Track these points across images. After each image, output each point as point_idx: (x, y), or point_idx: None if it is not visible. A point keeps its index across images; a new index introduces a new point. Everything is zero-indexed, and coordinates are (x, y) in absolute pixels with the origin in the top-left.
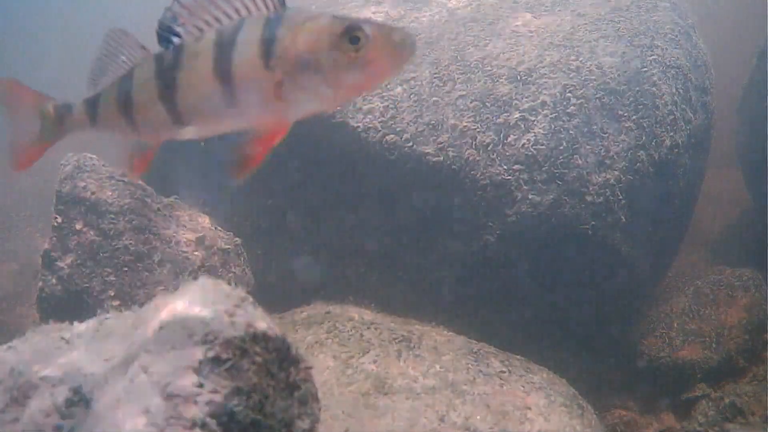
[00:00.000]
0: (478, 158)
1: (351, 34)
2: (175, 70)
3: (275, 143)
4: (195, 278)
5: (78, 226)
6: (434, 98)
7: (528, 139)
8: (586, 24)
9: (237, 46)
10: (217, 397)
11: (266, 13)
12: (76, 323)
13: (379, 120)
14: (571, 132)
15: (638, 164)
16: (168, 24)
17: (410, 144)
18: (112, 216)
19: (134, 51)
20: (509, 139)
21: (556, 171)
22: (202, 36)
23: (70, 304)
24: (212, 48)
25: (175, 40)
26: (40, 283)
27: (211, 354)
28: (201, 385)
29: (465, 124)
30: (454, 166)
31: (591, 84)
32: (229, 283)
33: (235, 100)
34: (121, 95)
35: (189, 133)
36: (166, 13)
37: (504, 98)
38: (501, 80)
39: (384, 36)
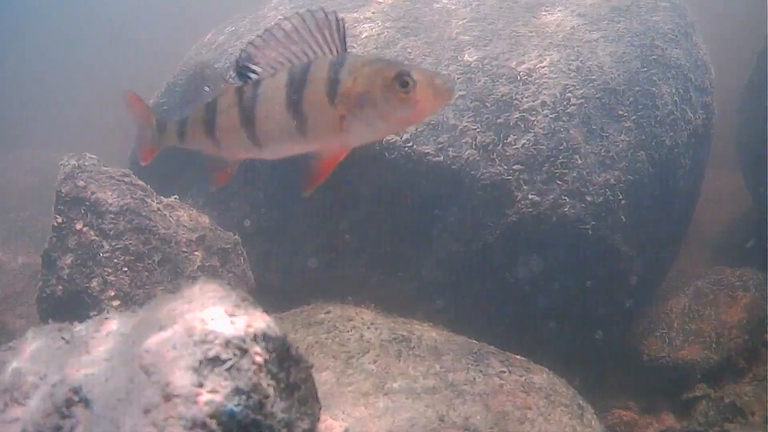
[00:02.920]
0: (478, 158)
1: (401, 78)
2: (254, 101)
3: (336, 165)
4: (195, 278)
5: (78, 226)
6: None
7: (528, 139)
8: (586, 24)
9: (307, 84)
10: (217, 397)
11: (329, 56)
12: (76, 323)
13: None
14: (571, 132)
15: (638, 164)
16: (245, 62)
17: (410, 144)
18: (112, 216)
19: (217, 83)
20: (509, 139)
21: (556, 171)
22: (276, 73)
23: (70, 304)
24: (285, 85)
25: (252, 76)
26: (40, 283)
27: (211, 354)
28: (201, 385)
29: (465, 124)
30: (454, 166)
31: (591, 84)
32: (229, 283)
33: (304, 130)
34: (207, 119)
35: (265, 154)
36: (242, 53)
37: (504, 98)
38: (501, 80)
39: (428, 80)
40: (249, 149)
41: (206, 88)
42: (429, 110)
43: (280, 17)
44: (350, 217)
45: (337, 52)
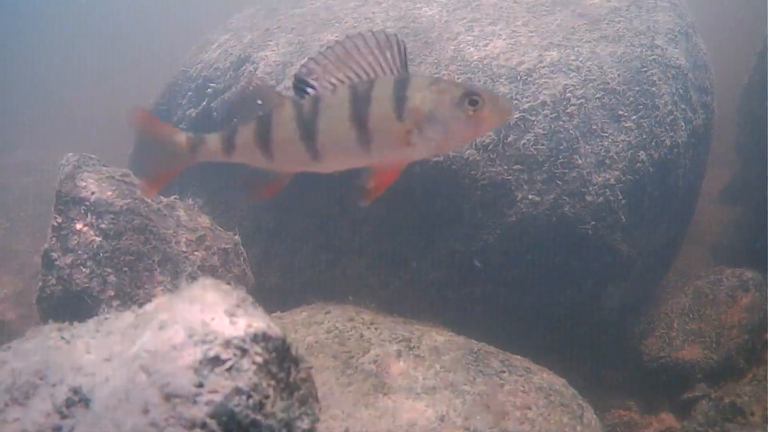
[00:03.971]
0: (478, 158)
1: (470, 97)
2: (315, 116)
3: (397, 177)
4: (195, 278)
5: (78, 226)
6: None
7: (528, 139)
8: (586, 24)
9: (372, 101)
10: (217, 397)
11: (392, 75)
12: (76, 323)
13: None
14: (571, 132)
15: (638, 164)
16: (304, 78)
17: None
18: (112, 216)
19: (270, 97)
20: (509, 139)
21: (556, 171)
22: (337, 90)
23: (70, 304)
24: (348, 101)
25: (309, 91)
26: (40, 283)
27: (211, 354)
28: (201, 385)
29: None
30: (454, 166)
31: (591, 84)
32: (229, 283)
33: (369, 143)
34: (260, 132)
35: (321, 167)
36: (302, 69)
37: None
38: (501, 80)
39: (493, 100)
40: (306, 163)
41: (258, 102)
42: (490, 127)
43: (340, 36)
44: (350, 217)
45: (398, 71)
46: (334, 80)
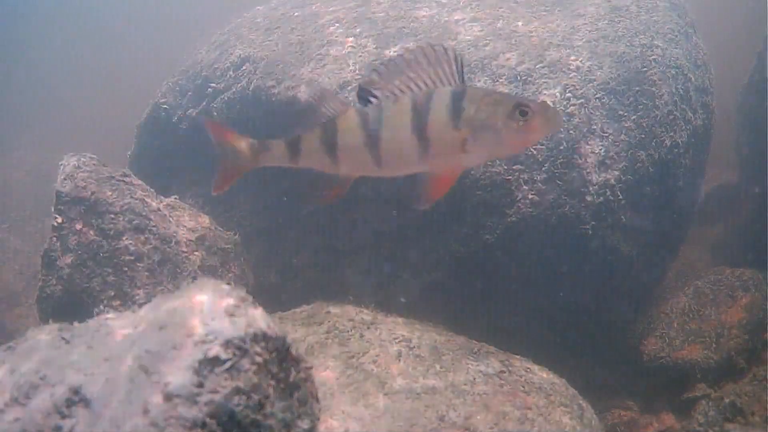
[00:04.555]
0: None
1: (520, 108)
2: (379, 124)
3: (453, 183)
4: (195, 278)
5: (78, 226)
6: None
7: None
8: (586, 24)
9: (431, 111)
10: (217, 397)
11: (450, 86)
12: (76, 323)
13: None
14: (571, 132)
15: (638, 164)
16: (367, 87)
17: None
18: (112, 216)
19: (335, 105)
20: None
21: (556, 171)
22: (398, 99)
23: (70, 304)
24: (410, 110)
25: (372, 100)
26: (40, 283)
27: (211, 354)
28: (201, 385)
29: None
30: None
31: (591, 84)
32: (229, 283)
33: (427, 150)
34: (326, 138)
35: (384, 173)
36: (365, 79)
37: None
38: (501, 80)
39: (542, 111)
40: (369, 168)
41: (323, 110)
42: (540, 137)
43: (402, 49)
44: (350, 217)
45: (455, 83)
46: (395, 90)
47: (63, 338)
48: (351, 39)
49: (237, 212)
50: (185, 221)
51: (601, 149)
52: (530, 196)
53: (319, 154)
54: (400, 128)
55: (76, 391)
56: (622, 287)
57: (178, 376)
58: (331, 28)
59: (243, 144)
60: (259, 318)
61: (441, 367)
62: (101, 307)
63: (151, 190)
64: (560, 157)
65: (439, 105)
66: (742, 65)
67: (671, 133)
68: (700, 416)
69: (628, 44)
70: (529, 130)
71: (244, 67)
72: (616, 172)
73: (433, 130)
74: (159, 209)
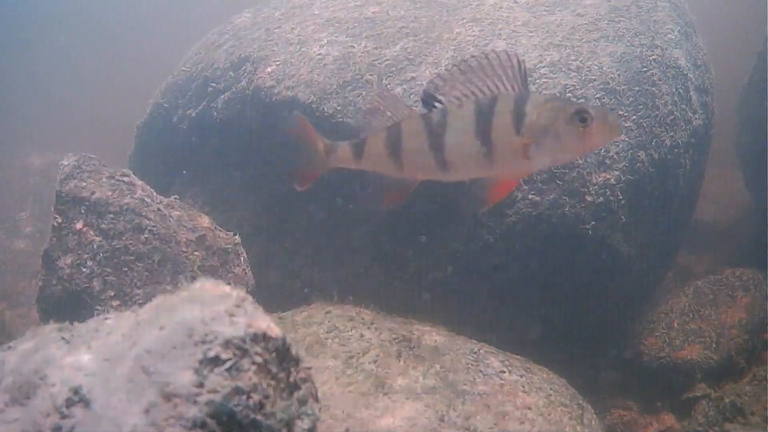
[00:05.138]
0: None
1: (581, 114)
2: (444, 128)
3: (513, 188)
4: (195, 278)
5: (78, 226)
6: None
7: None
8: (586, 24)
9: (495, 116)
10: (217, 397)
11: (512, 92)
12: (76, 323)
13: None
14: None
15: (638, 164)
16: (432, 93)
17: None
18: (112, 216)
19: (399, 109)
20: None
21: (556, 171)
22: (462, 104)
23: (70, 304)
24: (474, 115)
25: (437, 105)
26: (40, 283)
27: (211, 354)
28: (201, 385)
29: None
30: None
31: (591, 84)
32: (229, 283)
33: (491, 156)
34: (391, 142)
35: (448, 176)
36: (430, 84)
37: None
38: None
39: (602, 117)
40: (433, 172)
41: (388, 114)
42: (601, 143)
43: (466, 56)
44: (350, 217)
45: (518, 88)
46: (459, 95)
47: (63, 338)
48: (351, 39)
49: (237, 212)
50: (185, 221)
51: (601, 149)
52: (530, 196)
53: (382, 158)
54: (464, 133)
55: (76, 391)
56: (622, 287)
57: (178, 376)
58: (331, 28)
59: (320, 145)
60: (259, 318)
61: (441, 367)
62: (101, 307)
63: (151, 190)
64: None
65: (503, 110)
66: (742, 65)
67: (671, 133)
68: (700, 416)
69: (628, 44)
70: (589, 137)
71: (244, 67)
72: (616, 172)
73: (497, 135)
74: (159, 209)
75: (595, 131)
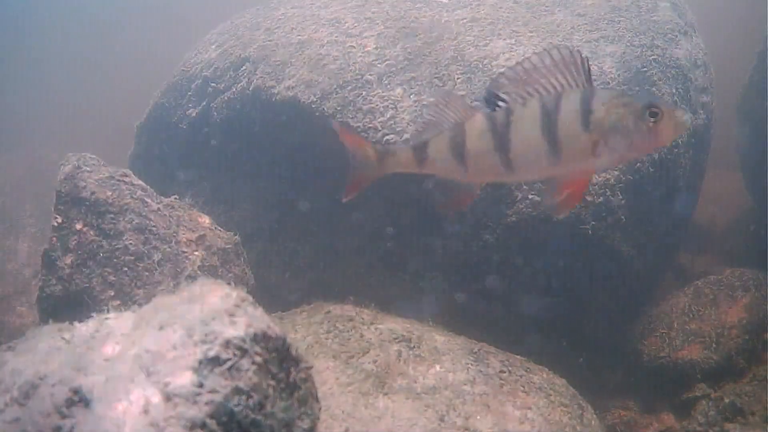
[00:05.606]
0: None
1: (650, 110)
2: (509, 128)
3: (585, 188)
4: (195, 278)
5: (78, 226)
6: (434, 98)
7: None
8: (586, 24)
9: (561, 114)
10: (217, 397)
11: (577, 89)
12: (76, 323)
13: (379, 120)
14: None
15: (638, 164)
16: (495, 91)
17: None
18: (112, 216)
19: (461, 109)
20: None
21: None
22: (527, 103)
23: (70, 304)
24: (539, 114)
25: (500, 104)
26: (40, 283)
27: (211, 354)
28: (201, 385)
29: None
30: None
31: None
32: (229, 283)
33: (558, 155)
34: (455, 144)
35: (514, 177)
36: (493, 83)
37: None
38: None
39: (671, 113)
40: (499, 173)
41: (450, 114)
42: (670, 139)
43: (529, 54)
44: (350, 217)
45: (582, 85)
46: (523, 94)
47: (63, 338)
48: (351, 39)
49: (237, 212)
50: (185, 221)
51: None
52: (530, 196)
53: (447, 160)
54: (530, 132)
55: (76, 391)
56: (622, 287)
57: (178, 376)
58: (331, 28)
59: (370, 150)
60: (259, 318)
61: (441, 367)
62: (101, 307)
63: (151, 190)
64: None
65: (569, 108)
66: (742, 65)
67: None
68: (700, 416)
69: (628, 44)
70: (659, 132)
71: (244, 67)
72: (616, 172)
73: (564, 133)
74: (159, 209)
75: (664, 126)
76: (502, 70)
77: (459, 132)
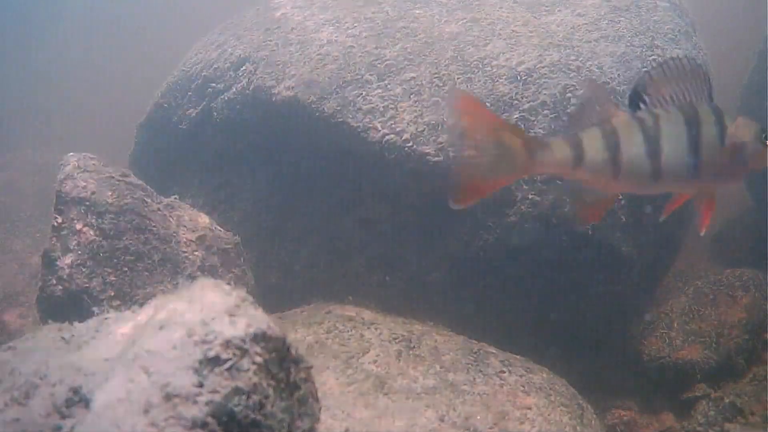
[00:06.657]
0: None
1: (765, 132)
2: (659, 134)
3: (713, 208)
4: (195, 278)
5: (78, 226)
6: (434, 98)
7: None
8: (586, 24)
9: (701, 127)
10: (217, 397)
11: (704, 103)
12: (76, 323)
13: (379, 120)
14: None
15: None
16: (640, 91)
17: (410, 144)
18: (112, 216)
19: (607, 105)
20: None
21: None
22: (669, 110)
23: (70, 304)
24: (684, 124)
25: (641, 105)
26: (40, 283)
27: (211, 354)
28: (201, 385)
29: None
30: (454, 166)
31: None
32: (229, 283)
33: (698, 168)
34: (610, 144)
35: (655, 189)
36: (639, 81)
37: (504, 98)
38: (501, 80)
39: None
40: (645, 183)
41: (597, 108)
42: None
43: (669, 56)
44: (350, 217)
45: (706, 99)
46: (661, 98)
47: (63, 338)
48: (351, 39)
49: (237, 212)
50: (185, 221)
51: None
52: (530, 196)
53: (604, 164)
54: (678, 141)
55: (76, 391)
56: (622, 287)
57: (178, 376)
58: (331, 28)
59: (517, 140)
60: (259, 318)
61: (441, 367)
62: (101, 307)
63: (151, 190)
64: None
65: (707, 121)
66: (742, 65)
67: None
68: (700, 416)
69: (628, 44)
70: (764, 155)
71: (244, 67)
72: None
73: (705, 147)
74: (159, 209)
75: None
76: (647, 69)
77: (610, 131)
